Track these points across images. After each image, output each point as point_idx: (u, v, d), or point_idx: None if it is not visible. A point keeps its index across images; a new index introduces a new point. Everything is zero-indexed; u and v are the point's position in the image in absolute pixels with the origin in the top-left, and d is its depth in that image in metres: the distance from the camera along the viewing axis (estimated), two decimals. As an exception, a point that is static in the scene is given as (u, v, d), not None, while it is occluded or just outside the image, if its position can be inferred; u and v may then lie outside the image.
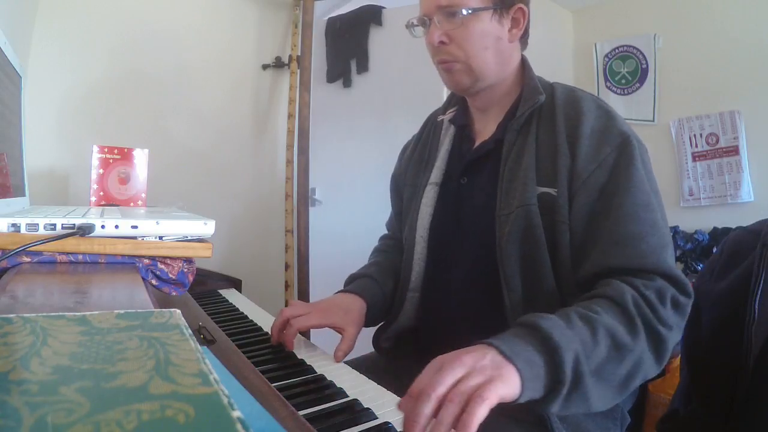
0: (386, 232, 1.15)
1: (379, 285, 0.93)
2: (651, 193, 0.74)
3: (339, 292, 0.92)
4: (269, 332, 0.88)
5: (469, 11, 0.81)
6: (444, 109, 1.01)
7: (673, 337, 0.68)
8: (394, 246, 1.07)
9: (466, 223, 0.88)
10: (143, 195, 1.32)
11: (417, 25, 0.88)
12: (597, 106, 0.81)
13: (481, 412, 0.48)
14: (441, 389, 0.51)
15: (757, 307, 0.80)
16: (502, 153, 0.83)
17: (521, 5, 0.84)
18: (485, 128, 0.91)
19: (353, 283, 0.93)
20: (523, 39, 0.89)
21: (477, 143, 0.91)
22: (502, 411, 0.66)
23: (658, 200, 0.75)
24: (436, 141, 0.98)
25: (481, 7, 0.81)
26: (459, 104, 0.97)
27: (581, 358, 0.59)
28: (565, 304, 0.72)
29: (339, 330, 0.81)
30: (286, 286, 1.97)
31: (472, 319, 0.85)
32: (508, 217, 0.78)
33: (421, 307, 0.92)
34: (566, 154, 0.77)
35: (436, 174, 0.93)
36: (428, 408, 0.50)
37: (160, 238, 0.68)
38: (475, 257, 0.85)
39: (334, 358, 0.77)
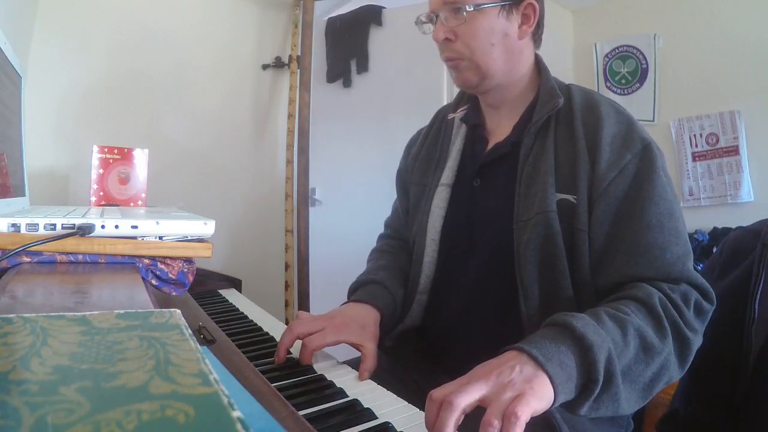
0: (384, 230, 1.11)
1: (390, 293, 0.88)
2: (673, 201, 0.74)
3: (350, 301, 0.86)
4: (269, 332, 0.88)
5: (474, 7, 0.79)
6: (454, 107, 0.98)
7: (697, 341, 0.67)
8: (397, 247, 1.03)
9: (479, 226, 0.85)
10: (143, 195, 1.32)
11: (426, 22, 0.86)
12: (616, 112, 0.79)
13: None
14: (465, 401, 0.51)
15: (757, 307, 0.80)
16: (518, 157, 0.81)
17: (531, 1, 0.81)
18: (498, 128, 0.89)
19: (363, 291, 0.87)
20: (536, 36, 0.86)
21: (490, 144, 0.89)
22: None
23: (679, 208, 0.75)
24: (447, 140, 0.94)
25: (487, 3, 0.79)
26: (471, 102, 0.95)
27: (613, 357, 0.58)
28: (582, 311, 0.71)
29: (356, 347, 0.76)
30: (286, 286, 1.97)
31: (482, 323, 0.84)
32: (527, 224, 0.76)
33: (428, 309, 0.90)
34: (586, 161, 0.75)
35: (448, 174, 0.90)
36: (453, 416, 0.50)
37: (160, 238, 0.68)
38: (487, 261, 0.83)
39: (359, 377, 0.72)
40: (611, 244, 0.73)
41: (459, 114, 0.95)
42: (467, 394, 0.51)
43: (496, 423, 0.49)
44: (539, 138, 0.81)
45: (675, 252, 0.70)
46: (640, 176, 0.74)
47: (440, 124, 0.99)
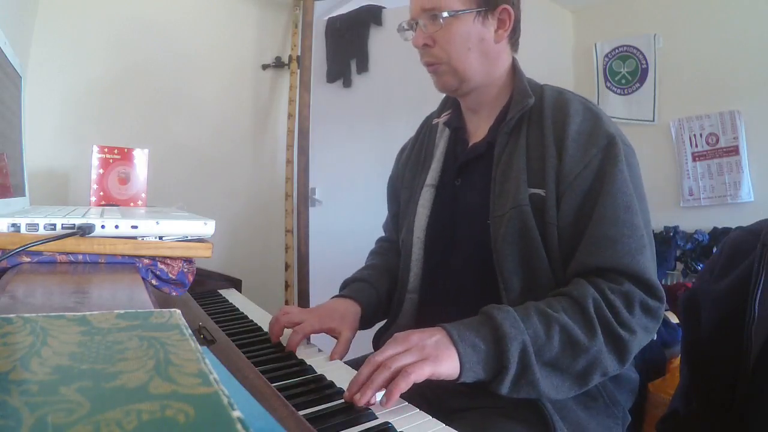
0: (383, 234, 1.15)
1: (374, 288, 0.95)
2: (633, 195, 0.75)
3: (335, 297, 0.93)
4: (269, 332, 0.88)
5: (451, 13, 0.82)
6: (439, 112, 1.03)
7: (638, 339, 0.70)
8: (389, 248, 1.08)
9: (461, 224, 0.89)
10: (143, 195, 1.32)
11: (407, 29, 0.90)
12: (584, 108, 0.82)
13: (402, 385, 0.58)
14: (380, 357, 0.62)
15: (757, 307, 0.80)
16: (493, 155, 0.84)
17: (506, 6, 0.84)
18: (478, 130, 0.93)
19: (348, 288, 0.95)
20: (513, 40, 0.89)
21: (470, 145, 0.92)
22: (502, 412, 0.70)
23: (641, 202, 0.76)
24: (432, 143, 0.99)
25: (463, 9, 0.82)
26: (453, 107, 0.99)
27: (529, 349, 0.65)
28: None
29: (334, 333, 0.83)
30: (286, 286, 1.97)
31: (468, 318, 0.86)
32: (502, 219, 0.79)
33: (419, 308, 0.93)
34: (554, 156, 0.78)
35: (432, 176, 0.94)
36: (366, 370, 0.61)
37: (160, 238, 0.68)
38: (470, 257, 0.86)
39: (329, 358, 0.78)
40: (574, 237, 0.76)
41: (443, 119, 0.99)
42: (384, 353, 0.62)
43: (390, 365, 0.60)
44: (512, 137, 0.84)
45: (627, 244, 0.72)
46: (602, 170, 0.76)
47: (426, 130, 1.04)
